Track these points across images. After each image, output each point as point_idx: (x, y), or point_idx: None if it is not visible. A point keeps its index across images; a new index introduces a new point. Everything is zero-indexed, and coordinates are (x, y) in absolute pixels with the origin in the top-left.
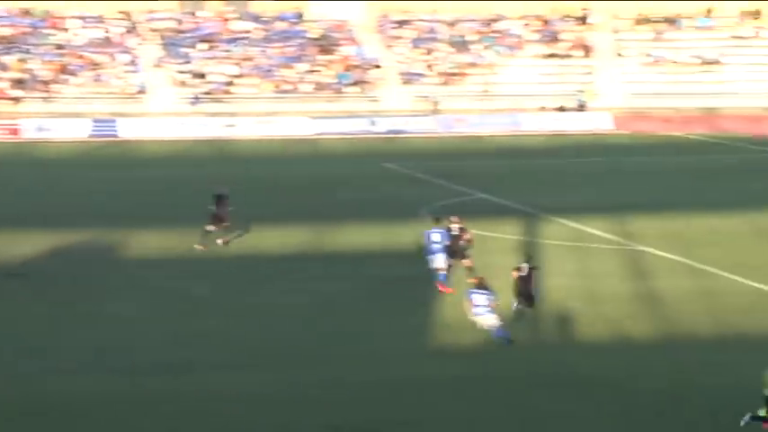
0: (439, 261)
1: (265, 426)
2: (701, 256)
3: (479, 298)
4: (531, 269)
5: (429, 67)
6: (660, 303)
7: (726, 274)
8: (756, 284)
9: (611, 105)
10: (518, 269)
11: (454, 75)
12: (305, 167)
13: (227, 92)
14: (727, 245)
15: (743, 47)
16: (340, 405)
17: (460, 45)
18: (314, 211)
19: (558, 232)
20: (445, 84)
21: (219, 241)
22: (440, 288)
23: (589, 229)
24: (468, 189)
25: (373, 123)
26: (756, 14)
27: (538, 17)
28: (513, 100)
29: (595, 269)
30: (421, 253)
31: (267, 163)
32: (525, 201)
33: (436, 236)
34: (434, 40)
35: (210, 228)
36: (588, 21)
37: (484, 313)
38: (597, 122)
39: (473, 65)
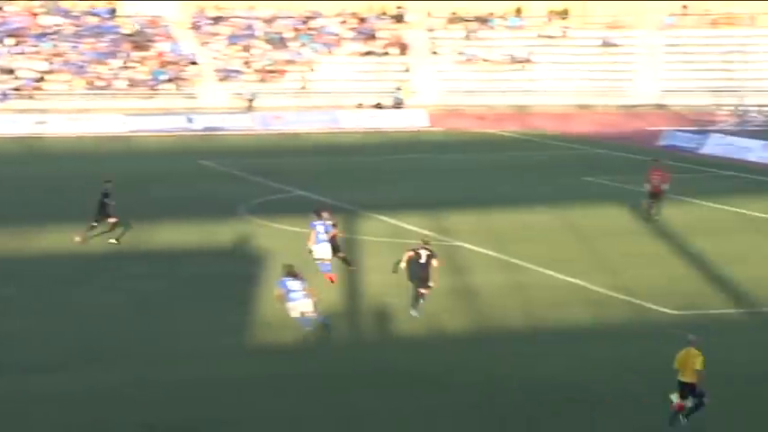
0: (324, 252)
1: (79, 425)
2: (515, 251)
3: (293, 284)
4: (429, 256)
5: (246, 64)
6: (476, 298)
7: (538, 269)
8: (568, 278)
9: (426, 103)
10: (414, 253)
11: (271, 72)
12: (119, 165)
13: (37, 88)
14: (540, 240)
15: (551, 46)
16: (156, 404)
17: (277, 42)
18: (129, 209)
19: (376, 228)
20: (262, 81)
21: (78, 239)
22: (327, 278)
23: (406, 225)
24: (287, 186)
25: (190, 121)
26: (564, 14)
27: (354, 15)
28: (330, 97)
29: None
30: (238, 251)
31: (79, 161)
32: (343, 197)
33: (321, 227)
34: (251, 37)
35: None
36: (403, 19)
37: (300, 299)
38: (413, 120)
39: (290, 62)
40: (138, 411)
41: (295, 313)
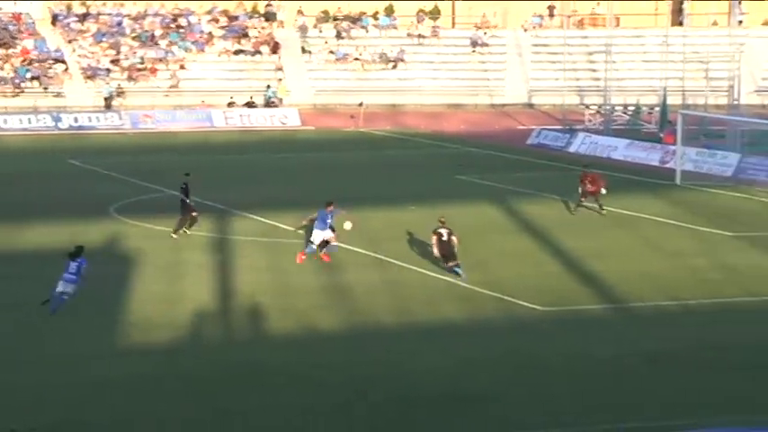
0: (321, 236)
1: None
2: (388, 250)
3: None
4: (449, 233)
5: (114, 62)
6: (348, 296)
7: (411, 267)
8: (439, 276)
9: (298, 101)
10: (438, 233)
11: (141, 70)
12: None
13: None
14: (412, 238)
15: (423, 45)
16: (19, 409)
17: (147, 40)
18: None
19: (249, 228)
20: (131, 79)
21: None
22: (323, 256)
23: (279, 225)
24: (158, 186)
25: (57, 119)
26: (435, 14)
27: (224, 13)
28: (202, 96)
29: (286, 264)
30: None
31: None
32: (216, 197)
33: (324, 215)
34: (119, 34)
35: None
36: (275, 17)
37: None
38: (285, 118)
39: (161, 60)
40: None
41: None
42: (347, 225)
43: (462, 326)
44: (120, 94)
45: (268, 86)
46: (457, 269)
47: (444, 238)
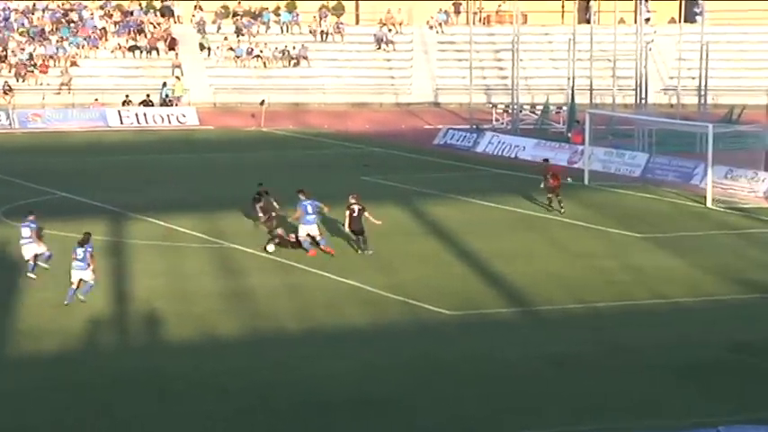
0: (313, 229)
1: None
2: (289, 253)
3: (308, 206)
4: (360, 209)
5: (1, 58)
6: (249, 300)
7: (313, 270)
8: (343, 279)
9: (197, 100)
10: (350, 209)
11: (30, 67)
12: None
13: None
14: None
15: (326, 42)
16: None
17: (37, 36)
18: None
19: (146, 231)
20: (20, 77)
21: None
22: (326, 250)
23: (178, 228)
24: (49, 188)
25: None
26: (339, 10)
27: (118, 7)
28: (95, 94)
29: (185, 268)
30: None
31: None
32: (110, 199)
33: (309, 207)
34: (7, 29)
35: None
36: (172, 13)
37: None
38: (183, 117)
39: (51, 57)
40: None
41: (302, 234)
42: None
43: (366, 330)
44: (8, 92)
45: (164, 84)
46: (364, 246)
47: (356, 214)
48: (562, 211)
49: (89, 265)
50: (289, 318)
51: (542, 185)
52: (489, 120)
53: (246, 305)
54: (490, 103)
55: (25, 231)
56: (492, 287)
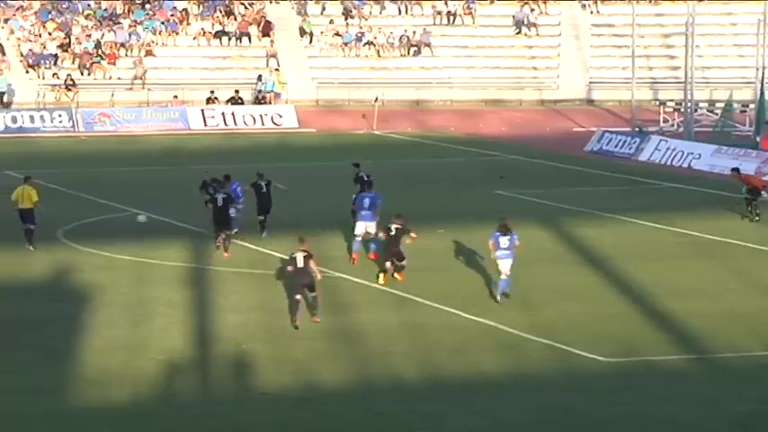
0: (363, 227)
1: None
2: (409, 284)
3: (504, 240)
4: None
5: (63, 47)
6: (359, 342)
7: (438, 306)
8: (474, 317)
9: (296, 97)
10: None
11: (97, 57)
12: None
13: None
14: (440, 270)
15: (454, 26)
16: None
17: (105, 20)
18: None
19: (235, 256)
20: (85, 69)
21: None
22: (371, 257)
23: (272, 252)
24: (117, 203)
25: None
26: None
27: None
28: (174, 90)
29: (280, 302)
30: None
31: None
32: (190, 217)
33: (367, 201)
34: (71, 12)
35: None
36: None
37: (505, 257)
38: (279, 118)
39: (122, 45)
40: None
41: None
42: None
43: (503, 380)
44: (71, 87)
45: (259, 78)
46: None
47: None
48: (756, 219)
49: (513, 255)
50: (407, 364)
51: (744, 190)
52: (656, 121)
53: (355, 348)
54: (657, 100)
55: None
56: (659, 329)
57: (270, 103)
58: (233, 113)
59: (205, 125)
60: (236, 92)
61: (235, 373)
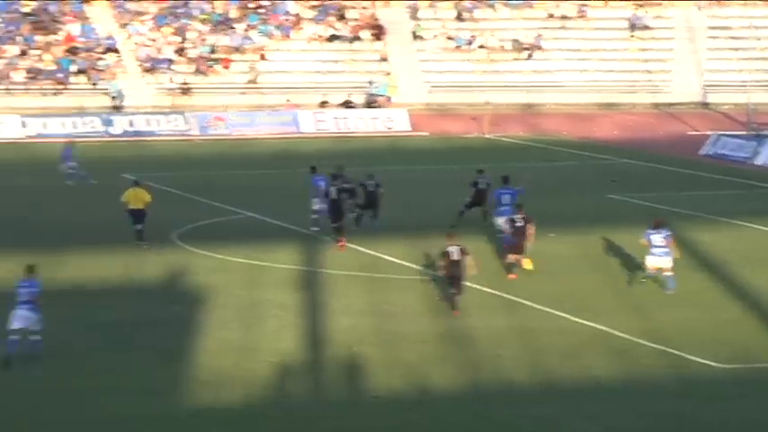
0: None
1: None
2: (519, 288)
3: (656, 238)
4: (462, 251)
5: (179, 51)
6: (470, 346)
7: (549, 310)
8: (585, 321)
9: (407, 101)
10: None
11: (212, 61)
12: (15, 178)
13: None
14: (551, 274)
15: (566, 29)
16: None
17: (220, 24)
18: (29, 235)
19: (347, 259)
20: (200, 73)
21: None
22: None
23: (383, 256)
24: (232, 206)
25: (107, 123)
26: None
27: None
28: (287, 93)
29: (392, 305)
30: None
31: None
32: (303, 220)
33: (506, 197)
34: (186, 16)
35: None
36: None
37: (660, 255)
38: (391, 122)
39: (236, 49)
40: None
41: (650, 266)
42: None
43: (615, 386)
44: (186, 91)
45: (370, 82)
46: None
47: (455, 257)
48: None
49: (670, 251)
50: (518, 368)
51: None
52: None
53: (466, 351)
54: None
55: (22, 293)
56: None
57: (381, 106)
58: (345, 117)
59: (317, 129)
60: (349, 95)
61: (346, 375)
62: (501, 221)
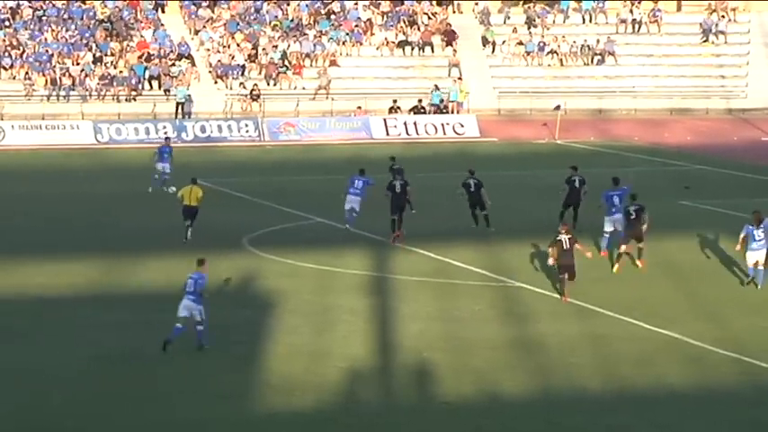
0: (609, 225)
1: None
2: (590, 295)
3: (758, 232)
4: (572, 240)
5: (251, 57)
6: (540, 353)
7: (620, 317)
8: (657, 329)
9: (477, 106)
10: (558, 242)
11: (283, 67)
12: (88, 185)
13: None
14: (622, 280)
15: (638, 34)
16: None
17: (291, 30)
18: (101, 240)
19: (416, 265)
20: (271, 79)
21: None
22: (601, 253)
23: (453, 261)
24: (303, 212)
25: (181, 129)
26: None
27: None
28: (357, 99)
29: (462, 311)
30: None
31: (37, 180)
32: (373, 226)
33: (616, 198)
34: (258, 22)
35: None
36: (450, 1)
37: (759, 249)
38: (461, 127)
39: (307, 55)
40: None
41: (750, 261)
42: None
43: (689, 394)
44: (257, 98)
45: (436, 87)
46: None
47: (566, 247)
48: None
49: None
50: (589, 376)
51: None
52: None
53: (536, 358)
54: None
55: (189, 284)
56: None
57: (451, 112)
58: (415, 123)
59: (387, 134)
60: (419, 101)
61: (416, 381)
62: (613, 223)
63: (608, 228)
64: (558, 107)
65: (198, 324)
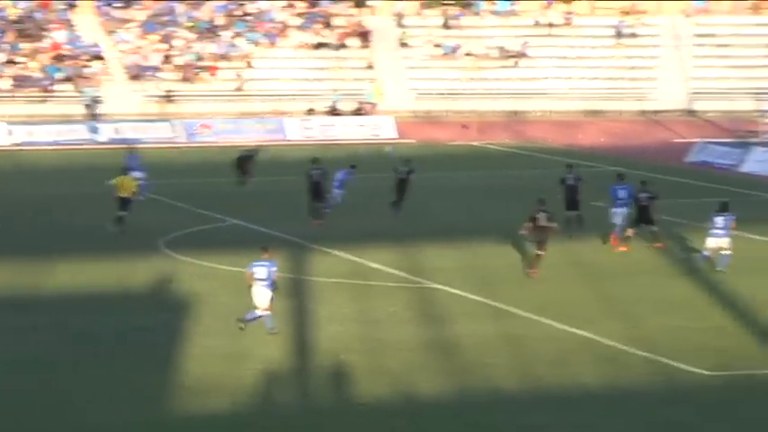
0: (618, 218)
1: None
2: (506, 295)
3: (718, 220)
4: (548, 218)
5: (165, 58)
6: (456, 354)
7: (535, 317)
8: (572, 329)
9: (393, 108)
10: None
11: (198, 69)
12: (2, 185)
13: None
14: (536, 281)
15: (552, 36)
16: None
17: (206, 31)
18: (14, 242)
19: (332, 267)
20: (185, 80)
21: None
22: (612, 241)
23: (370, 263)
24: (217, 213)
25: (93, 130)
26: None
27: None
28: (273, 101)
29: (378, 312)
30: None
31: None
32: (289, 228)
33: (622, 192)
34: (172, 24)
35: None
36: (364, 3)
37: (720, 235)
38: (378, 129)
39: (223, 56)
40: None
41: (710, 248)
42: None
43: (604, 394)
44: (171, 99)
45: (359, 90)
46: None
47: (542, 223)
48: None
49: (730, 233)
50: (505, 376)
51: None
52: (759, 132)
53: (452, 359)
54: (761, 110)
55: (261, 272)
56: (763, 342)
57: (367, 113)
58: (332, 125)
59: (303, 136)
60: (334, 103)
61: (333, 383)
62: (622, 215)
63: (615, 220)
64: (465, 126)
65: (266, 310)
